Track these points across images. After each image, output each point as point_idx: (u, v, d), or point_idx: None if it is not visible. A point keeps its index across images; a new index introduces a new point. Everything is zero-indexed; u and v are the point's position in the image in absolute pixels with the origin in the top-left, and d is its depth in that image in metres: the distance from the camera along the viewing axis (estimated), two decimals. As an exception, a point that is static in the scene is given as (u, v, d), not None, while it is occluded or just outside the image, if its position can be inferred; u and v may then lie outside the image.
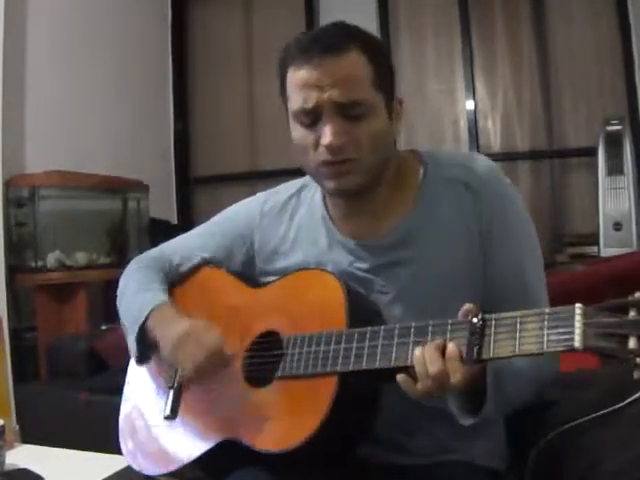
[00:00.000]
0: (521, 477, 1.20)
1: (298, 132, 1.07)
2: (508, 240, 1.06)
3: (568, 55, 3.58)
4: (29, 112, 2.91)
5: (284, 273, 1.16)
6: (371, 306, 1.07)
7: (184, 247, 1.29)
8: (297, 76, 1.04)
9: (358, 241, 1.12)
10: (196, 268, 1.27)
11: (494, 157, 3.76)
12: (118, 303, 1.27)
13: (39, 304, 2.75)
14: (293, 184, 1.25)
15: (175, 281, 1.27)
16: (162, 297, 1.18)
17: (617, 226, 2.95)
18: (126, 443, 1.23)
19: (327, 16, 3.97)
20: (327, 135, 1.01)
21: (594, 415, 1.18)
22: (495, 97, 3.73)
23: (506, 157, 3.72)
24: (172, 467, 1.13)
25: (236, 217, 1.27)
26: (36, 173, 2.77)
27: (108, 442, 1.30)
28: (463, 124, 3.74)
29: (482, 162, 1.11)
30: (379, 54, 1.07)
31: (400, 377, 0.88)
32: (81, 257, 2.84)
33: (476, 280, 1.05)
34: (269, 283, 1.17)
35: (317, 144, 1.04)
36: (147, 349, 1.18)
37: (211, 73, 4.19)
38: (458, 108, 3.77)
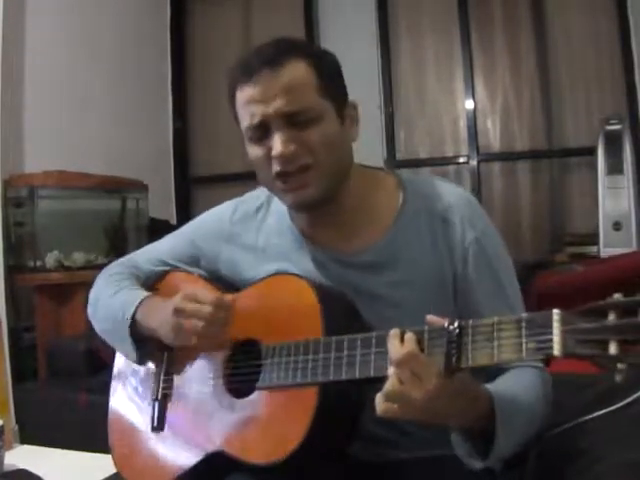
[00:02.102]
0: (521, 477, 1.20)
1: (251, 150, 1.08)
2: (485, 274, 1.07)
3: (567, 54, 3.58)
4: (28, 112, 2.91)
5: (253, 282, 1.15)
6: (345, 305, 1.07)
7: (152, 255, 1.30)
8: (242, 95, 1.05)
9: (327, 252, 1.12)
10: (167, 273, 1.27)
11: (493, 157, 3.81)
12: (93, 313, 1.26)
13: (38, 304, 2.75)
14: (262, 192, 1.24)
15: (146, 287, 1.26)
16: (142, 293, 1.18)
17: (617, 226, 2.94)
18: (117, 456, 1.23)
19: (326, 17, 3.97)
20: (277, 145, 1.02)
21: (594, 415, 1.18)
22: (494, 97, 3.73)
23: (505, 157, 3.72)
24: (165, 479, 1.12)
25: (205, 226, 1.27)
26: (35, 173, 2.76)
27: (107, 443, 1.30)
28: (462, 124, 3.74)
29: (464, 198, 1.11)
30: (324, 63, 1.07)
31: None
32: (80, 257, 2.83)
33: (443, 311, 0.97)
34: (243, 289, 1.16)
35: (269, 157, 1.04)
36: (142, 346, 1.17)
37: (210, 73, 4.18)
38: (457, 108, 3.76)
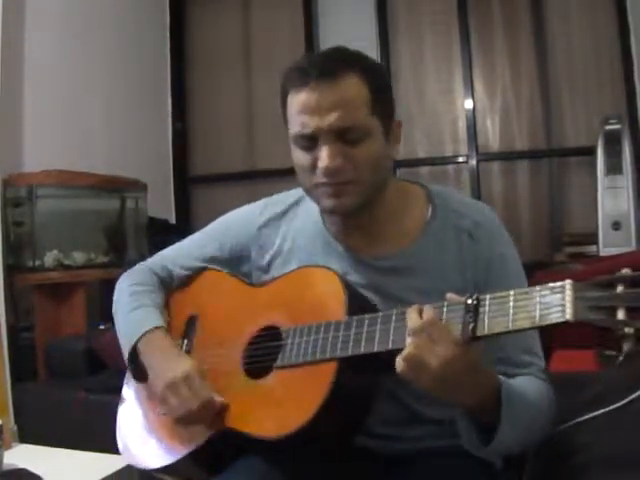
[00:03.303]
0: (520, 475, 1.20)
1: (297, 154, 1.10)
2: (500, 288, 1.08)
3: (567, 54, 3.58)
4: (27, 111, 2.90)
5: (281, 275, 1.17)
6: (369, 304, 1.08)
7: (182, 257, 1.32)
8: (296, 100, 1.07)
9: (355, 255, 1.15)
10: (197, 272, 1.29)
11: (493, 156, 3.81)
12: (114, 312, 1.29)
13: (37, 303, 2.74)
14: (292, 193, 1.27)
15: (176, 284, 1.30)
16: (153, 320, 1.20)
17: (616, 225, 2.94)
18: (122, 436, 1.25)
19: (326, 17, 3.97)
20: (324, 159, 1.05)
21: (593, 414, 1.19)
22: (494, 96, 3.73)
23: (505, 156, 3.72)
24: (168, 460, 1.14)
25: (233, 227, 1.29)
26: (34, 172, 2.76)
27: (106, 442, 1.30)
28: (462, 124, 3.74)
29: (489, 216, 1.17)
30: (378, 78, 1.11)
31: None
32: (79, 256, 2.83)
33: None
34: (270, 281, 1.19)
35: (315, 166, 1.07)
36: (139, 368, 1.20)
37: (209, 72, 4.18)
38: (457, 108, 3.76)
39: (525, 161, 3.70)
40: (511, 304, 0.86)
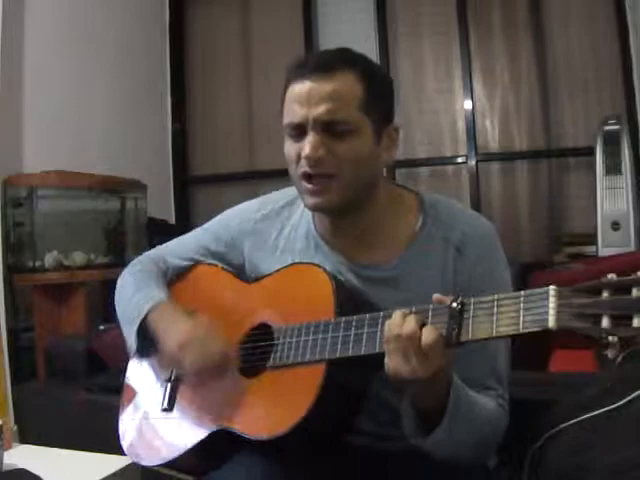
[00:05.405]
0: (519, 475, 1.20)
1: (287, 145, 1.13)
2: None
3: (566, 54, 3.58)
4: (27, 112, 2.91)
5: (271, 272, 1.19)
6: (360, 298, 1.10)
7: (180, 250, 1.35)
8: (291, 91, 1.11)
9: (342, 259, 1.17)
10: (192, 267, 1.32)
11: (492, 157, 3.81)
12: (116, 301, 1.31)
13: (37, 304, 2.74)
14: (289, 192, 1.28)
15: (171, 279, 1.33)
16: (162, 294, 1.23)
17: (615, 226, 2.95)
18: (124, 433, 1.26)
19: (325, 19, 3.98)
20: (306, 148, 1.07)
21: (592, 414, 1.19)
22: (493, 97, 3.73)
23: (504, 157, 3.73)
24: (168, 457, 1.16)
25: (230, 223, 1.31)
26: (34, 173, 2.76)
27: (106, 442, 1.30)
28: (461, 124, 3.74)
29: (482, 231, 1.14)
30: (376, 82, 1.12)
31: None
32: (79, 257, 2.83)
33: None
34: (262, 278, 1.21)
35: (300, 156, 1.09)
36: (147, 343, 1.21)
37: (209, 73, 4.19)
38: (456, 108, 3.77)
39: (524, 161, 3.70)
40: (495, 309, 0.86)
